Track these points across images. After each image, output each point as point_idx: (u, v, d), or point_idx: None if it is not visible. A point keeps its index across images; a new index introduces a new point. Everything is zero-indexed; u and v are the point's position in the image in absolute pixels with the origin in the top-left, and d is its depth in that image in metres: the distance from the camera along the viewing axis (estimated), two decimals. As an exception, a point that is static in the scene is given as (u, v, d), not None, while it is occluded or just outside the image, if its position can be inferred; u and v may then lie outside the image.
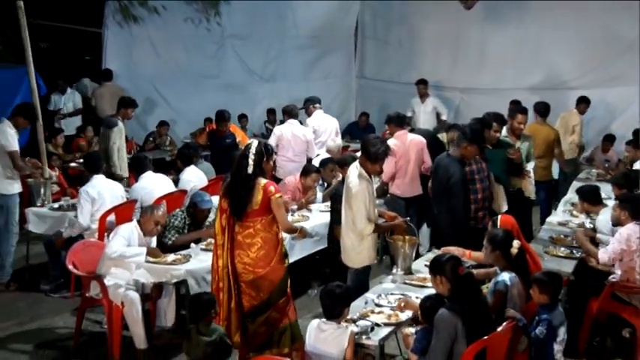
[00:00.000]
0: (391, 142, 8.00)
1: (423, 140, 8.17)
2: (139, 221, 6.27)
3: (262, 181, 5.26)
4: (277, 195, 5.28)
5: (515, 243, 5.09)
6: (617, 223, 6.30)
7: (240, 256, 5.29)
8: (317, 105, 10.15)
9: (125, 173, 9.14)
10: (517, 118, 7.95)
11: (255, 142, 5.41)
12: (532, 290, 4.87)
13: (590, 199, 7.12)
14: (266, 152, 5.34)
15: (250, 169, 5.22)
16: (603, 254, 6.03)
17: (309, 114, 10.13)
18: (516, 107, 8.50)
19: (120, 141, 9.29)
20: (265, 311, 5.36)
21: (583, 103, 11.04)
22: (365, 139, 5.96)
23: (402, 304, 4.91)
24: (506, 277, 4.96)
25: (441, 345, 4.35)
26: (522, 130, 7.98)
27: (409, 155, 8.01)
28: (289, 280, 5.48)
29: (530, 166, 8.06)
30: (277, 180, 8.19)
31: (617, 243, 5.97)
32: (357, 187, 5.69)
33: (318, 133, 9.90)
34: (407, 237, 5.93)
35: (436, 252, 5.83)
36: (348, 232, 5.87)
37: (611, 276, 6.14)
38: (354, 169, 5.83)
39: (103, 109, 12.09)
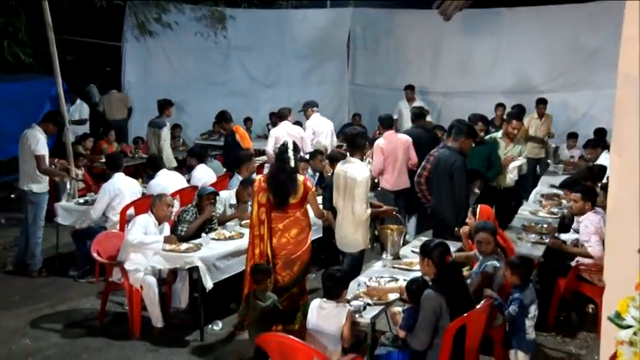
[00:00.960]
0: (380, 141, 8.04)
1: (409, 139, 8.14)
2: (151, 210, 6.26)
3: (300, 177, 5.52)
4: (313, 189, 5.62)
5: None
6: (578, 212, 6.31)
7: (280, 242, 5.43)
8: (314, 108, 10.16)
9: (173, 163, 9.84)
10: (512, 123, 7.88)
11: (290, 140, 5.68)
12: (506, 272, 4.88)
13: (571, 184, 7.08)
14: (295, 149, 5.59)
15: (293, 163, 5.43)
16: (594, 249, 5.93)
17: (307, 116, 10.12)
18: (512, 113, 8.38)
19: (168, 137, 9.98)
20: (292, 288, 5.51)
21: (541, 104, 10.83)
22: (346, 133, 6.22)
23: (373, 293, 4.89)
24: (495, 262, 4.97)
25: (427, 321, 4.35)
26: (516, 134, 7.92)
27: (397, 153, 7.99)
28: None
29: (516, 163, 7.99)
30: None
31: (593, 235, 5.96)
32: (362, 177, 5.80)
33: (316, 134, 9.89)
34: (395, 226, 5.94)
35: (422, 239, 5.83)
36: (346, 222, 5.92)
37: (576, 259, 6.15)
38: (354, 163, 5.92)
39: (111, 112, 12.56)
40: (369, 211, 5.89)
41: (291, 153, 5.46)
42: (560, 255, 6.25)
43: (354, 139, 6.09)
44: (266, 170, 9.04)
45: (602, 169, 7.85)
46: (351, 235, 5.95)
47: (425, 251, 4.65)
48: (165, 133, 10.02)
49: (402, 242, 5.98)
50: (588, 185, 6.81)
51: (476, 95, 12.51)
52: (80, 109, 12.21)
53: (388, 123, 8.34)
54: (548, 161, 10.33)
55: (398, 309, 4.77)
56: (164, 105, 10.27)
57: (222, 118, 9.63)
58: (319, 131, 9.96)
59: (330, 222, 6.38)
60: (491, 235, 5.10)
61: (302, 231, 5.52)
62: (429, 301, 4.37)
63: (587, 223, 6.09)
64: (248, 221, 6.73)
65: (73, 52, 12.25)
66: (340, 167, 6.05)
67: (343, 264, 6.05)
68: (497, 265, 4.96)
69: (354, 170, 5.88)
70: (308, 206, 5.72)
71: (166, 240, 6.07)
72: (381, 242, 6.08)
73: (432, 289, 4.44)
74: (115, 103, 12.64)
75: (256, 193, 5.51)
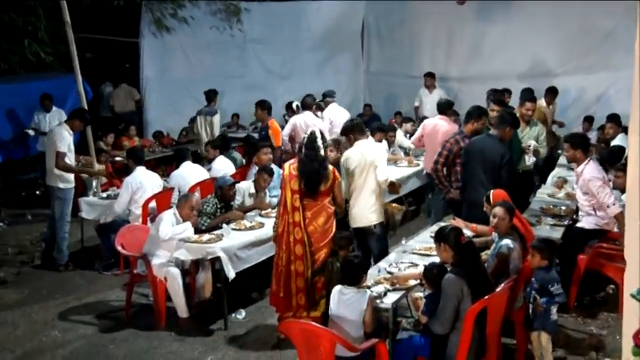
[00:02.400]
0: (429, 120, 8.82)
1: (455, 127, 8.06)
2: (177, 207, 6.29)
3: (330, 166, 5.55)
4: (340, 179, 5.68)
5: None
6: (572, 160, 6.25)
7: (308, 230, 5.40)
8: (329, 99, 10.17)
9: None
10: (525, 105, 7.77)
11: (317, 129, 5.67)
12: (531, 256, 4.82)
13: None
14: (324, 139, 5.62)
15: (323, 152, 5.45)
16: (612, 208, 5.78)
17: (325, 106, 10.16)
18: (525, 95, 8.29)
19: (219, 124, 10.65)
20: (315, 276, 5.46)
21: (550, 93, 10.59)
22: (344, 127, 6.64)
23: (395, 281, 4.89)
24: (508, 241, 4.93)
25: (449, 305, 4.34)
26: (530, 115, 7.80)
27: (436, 136, 8.06)
28: None
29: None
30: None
31: (600, 188, 5.84)
32: (380, 148, 6.45)
33: (334, 125, 9.84)
34: (395, 205, 6.51)
35: (439, 225, 5.82)
36: (364, 195, 6.10)
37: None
38: (365, 142, 6.27)
39: (119, 105, 12.97)
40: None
41: (320, 142, 5.47)
42: (580, 237, 6.17)
43: (353, 129, 6.33)
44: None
45: (621, 150, 7.75)
46: (371, 207, 6.11)
47: (440, 237, 4.65)
48: (217, 120, 10.60)
49: (399, 221, 6.51)
50: (574, 133, 6.63)
51: (491, 81, 12.29)
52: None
53: (442, 108, 8.60)
54: (559, 152, 10.10)
55: (419, 294, 4.76)
56: (211, 95, 10.85)
57: (261, 105, 9.57)
58: (336, 122, 9.91)
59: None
60: (506, 212, 5.04)
61: (328, 219, 5.50)
62: (451, 286, 4.36)
63: (588, 175, 5.91)
64: (268, 211, 6.80)
65: (92, 50, 12.28)
66: (353, 150, 6.20)
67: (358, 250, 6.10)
68: (511, 245, 4.90)
69: (370, 145, 6.29)
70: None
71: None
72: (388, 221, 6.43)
73: (452, 272, 4.43)
74: (123, 96, 12.92)
75: (287, 181, 5.47)
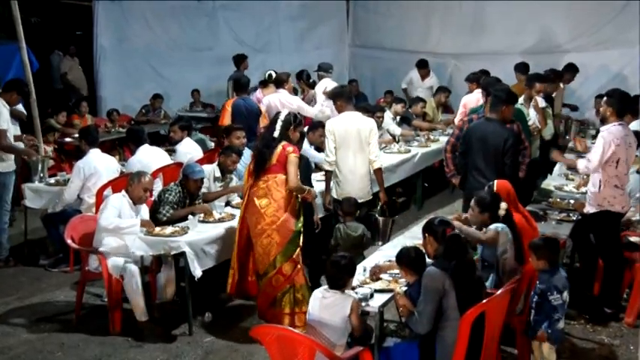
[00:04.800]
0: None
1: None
2: (127, 190, 6.22)
3: (280, 145, 5.75)
4: (294, 155, 5.73)
5: (503, 205, 5.12)
6: (601, 117, 6.17)
7: (248, 208, 5.74)
8: (323, 73, 10.37)
9: None
10: (535, 86, 7.78)
11: (285, 111, 6.04)
12: (530, 258, 4.85)
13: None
14: (294, 122, 5.88)
15: (277, 134, 5.75)
16: (590, 164, 5.88)
17: (319, 80, 10.33)
18: (533, 76, 8.30)
19: None
20: (269, 272, 5.68)
21: (570, 71, 10.66)
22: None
23: (376, 273, 4.99)
24: (498, 225, 5.02)
25: (429, 302, 4.33)
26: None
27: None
28: (299, 248, 5.77)
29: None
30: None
31: (601, 147, 5.81)
32: (374, 124, 6.85)
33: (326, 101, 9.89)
34: None
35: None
36: (361, 173, 6.72)
37: None
38: (356, 114, 6.79)
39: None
40: None
41: (279, 125, 5.79)
42: (609, 225, 6.14)
43: (342, 96, 6.86)
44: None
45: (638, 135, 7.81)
46: (368, 181, 6.76)
47: (426, 228, 4.75)
48: None
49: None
50: (616, 89, 6.49)
51: (491, 57, 12.43)
52: None
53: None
54: (567, 137, 10.20)
55: (400, 288, 4.73)
56: (239, 59, 11.71)
57: (236, 86, 9.80)
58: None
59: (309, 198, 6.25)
60: (477, 206, 5.20)
61: (273, 202, 5.67)
62: (431, 280, 4.36)
63: (605, 133, 5.84)
64: (239, 201, 6.77)
65: (38, 14, 12.11)
66: (337, 121, 6.69)
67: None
68: (499, 229, 5.02)
69: (363, 120, 6.71)
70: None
71: (143, 225, 6.06)
72: None
73: (435, 265, 4.47)
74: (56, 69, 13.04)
75: (251, 162, 5.95)
